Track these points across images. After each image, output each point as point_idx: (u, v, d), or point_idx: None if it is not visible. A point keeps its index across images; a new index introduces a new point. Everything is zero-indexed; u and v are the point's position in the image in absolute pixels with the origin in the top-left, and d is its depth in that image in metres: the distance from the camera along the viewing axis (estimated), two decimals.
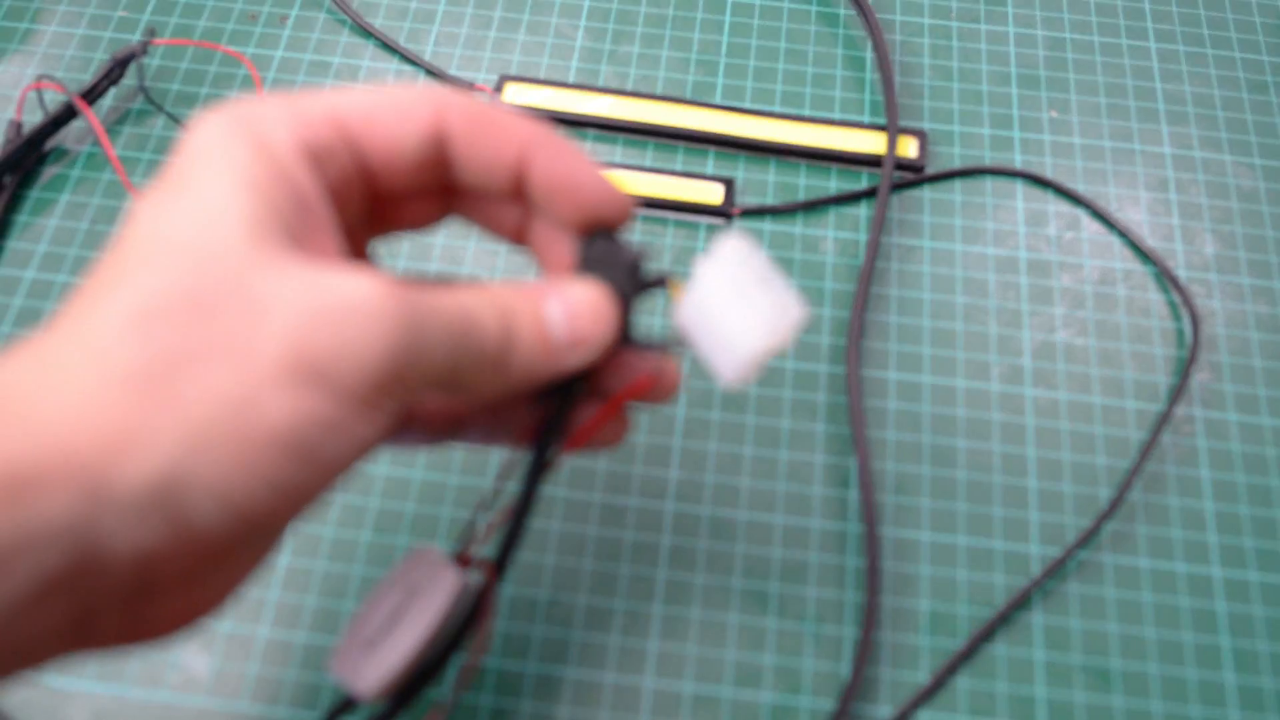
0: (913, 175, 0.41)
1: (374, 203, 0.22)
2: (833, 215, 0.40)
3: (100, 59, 0.43)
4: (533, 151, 0.21)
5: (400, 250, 0.39)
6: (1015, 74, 0.44)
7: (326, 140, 0.20)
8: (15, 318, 0.37)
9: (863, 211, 0.40)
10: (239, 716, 0.30)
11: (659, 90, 0.43)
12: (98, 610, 0.17)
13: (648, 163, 0.41)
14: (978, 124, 0.43)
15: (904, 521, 0.34)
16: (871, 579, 0.32)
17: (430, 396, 0.22)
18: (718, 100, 0.43)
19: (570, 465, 0.34)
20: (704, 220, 0.40)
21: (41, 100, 0.40)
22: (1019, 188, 0.41)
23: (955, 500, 0.34)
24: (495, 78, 0.43)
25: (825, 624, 0.32)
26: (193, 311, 0.17)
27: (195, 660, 0.31)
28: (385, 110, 0.21)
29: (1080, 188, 0.41)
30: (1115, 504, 0.33)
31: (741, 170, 0.41)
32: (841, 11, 0.46)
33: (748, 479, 0.34)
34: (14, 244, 0.38)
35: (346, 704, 0.26)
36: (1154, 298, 0.38)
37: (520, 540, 0.24)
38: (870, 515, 0.33)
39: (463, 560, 0.24)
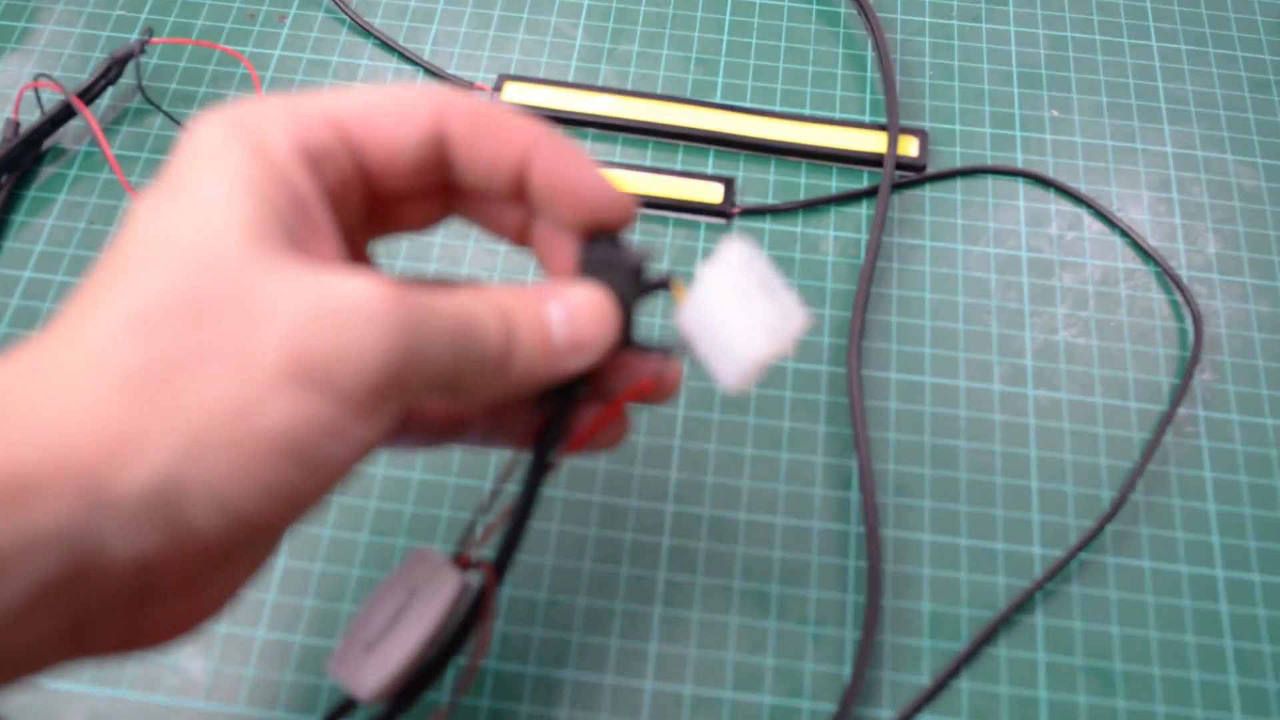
0: (914, 174, 0.41)
1: (373, 204, 0.22)
2: (833, 215, 0.40)
3: (98, 58, 0.43)
4: (533, 153, 0.21)
5: (399, 250, 0.39)
6: (1016, 73, 0.44)
7: (325, 141, 0.20)
8: (12, 318, 0.36)
9: (863, 211, 0.40)
10: (236, 719, 0.30)
11: (659, 89, 0.43)
12: (96, 616, 0.17)
13: (647, 162, 0.41)
14: (979, 123, 0.42)
15: (905, 523, 0.34)
16: (872, 580, 0.32)
17: (430, 399, 0.22)
18: (718, 99, 0.43)
19: (569, 466, 0.34)
20: (704, 220, 0.40)
21: (39, 99, 0.40)
22: (1020, 187, 0.41)
23: (957, 501, 0.34)
24: (494, 77, 0.43)
25: (826, 626, 0.32)
26: (191, 314, 0.17)
27: (192, 663, 0.31)
28: (384, 111, 0.21)
29: (1082, 187, 0.41)
30: (1118, 505, 0.33)
31: (742, 169, 0.41)
32: (842, 10, 0.46)
33: (748, 480, 0.34)
34: (11, 244, 0.38)
35: (346, 706, 0.26)
36: (1156, 297, 0.38)
37: (521, 542, 0.23)
38: (871, 516, 0.33)
39: (463, 562, 0.24)
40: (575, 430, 0.24)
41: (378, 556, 0.33)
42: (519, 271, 0.38)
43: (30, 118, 0.40)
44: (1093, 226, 0.40)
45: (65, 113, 0.40)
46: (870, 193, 0.40)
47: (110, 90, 0.42)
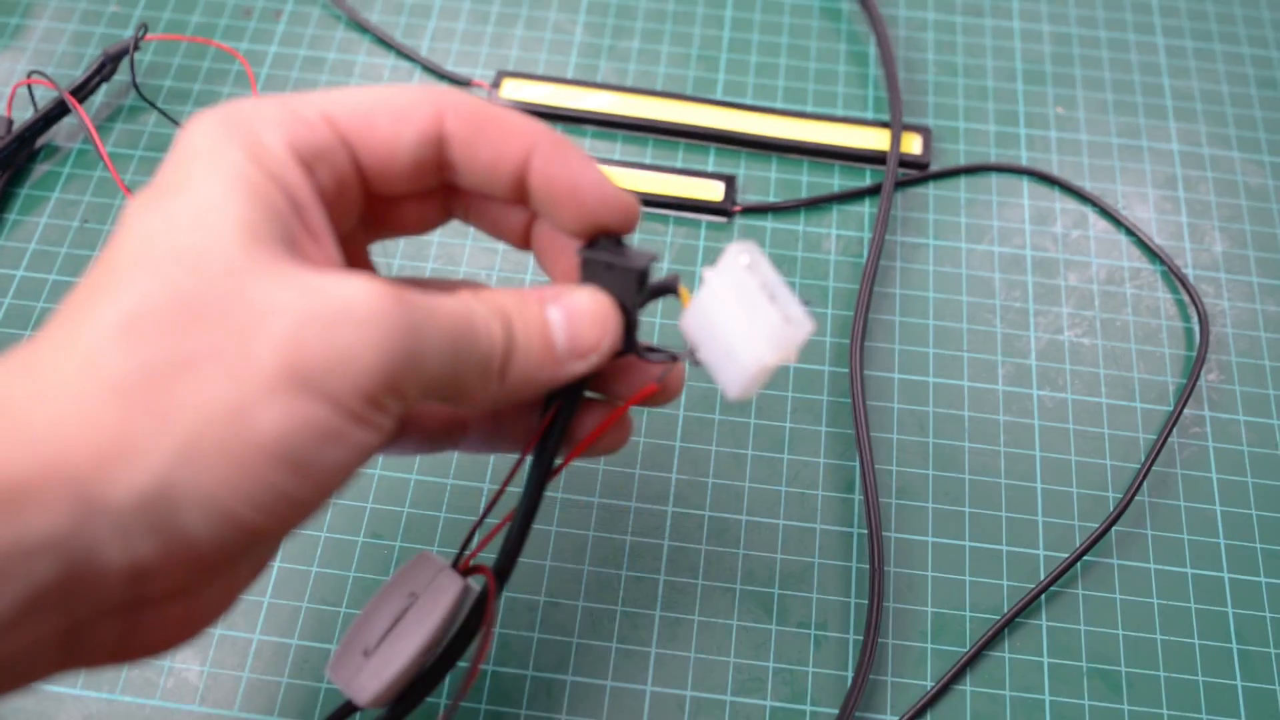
0: (917, 172, 0.40)
1: (371, 205, 0.22)
2: (835, 213, 0.40)
3: (92, 54, 0.42)
4: (534, 153, 0.21)
5: (396, 249, 0.38)
6: (1021, 70, 0.44)
7: (321, 142, 0.20)
8: (5, 316, 0.36)
9: (866, 209, 0.40)
10: None
11: (659, 86, 0.43)
12: (90, 623, 0.17)
13: (648, 159, 0.41)
14: (983, 120, 0.42)
15: (908, 524, 0.33)
16: (875, 583, 0.32)
17: (428, 404, 0.21)
18: (719, 96, 0.43)
19: (569, 468, 0.34)
20: (705, 218, 0.39)
21: (32, 96, 0.39)
22: (1025, 185, 0.41)
23: (960, 503, 0.34)
24: (493, 73, 0.43)
25: (828, 629, 0.32)
26: (185, 318, 0.16)
27: (187, 666, 0.30)
28: (382, 111, 0.20)
29: (1087, 185, 0.40)
30: (1123, 507, 0.33)
31: (743, 167, 0.41)
32: (844, 6, 0.45)
33: (749, 481, 0.34)
34: (4, 242, 0.38)
35: (344, 711, 0.26)
36: (1162, 297, 0.38)
37: (522, 547, 0.23)
38: (874, 518, 0.33)
39: (463, 566, 0.24)
40: (577, 435, 0.24)
41: (375, 559, 0.32)
42: (518, 270, 0.38)
43: (23, 115, 0.39)
44: (1098, 225, 0.40)
45: (59, 110, 0.39)
46: (873, 190, 0.40)
47: (104, 87, 0.41)
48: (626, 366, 0.23)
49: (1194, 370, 0.36)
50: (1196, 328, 0.37)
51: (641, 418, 0.35)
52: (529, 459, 0.23)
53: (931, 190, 0.40)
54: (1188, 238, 0.39)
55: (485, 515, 0.24)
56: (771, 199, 0.40)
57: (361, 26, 0.44)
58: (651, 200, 0.39)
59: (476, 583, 0.24)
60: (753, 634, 0.32)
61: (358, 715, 0.27)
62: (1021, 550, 0.33)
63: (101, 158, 0.39)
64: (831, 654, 0.31)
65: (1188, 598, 0.32)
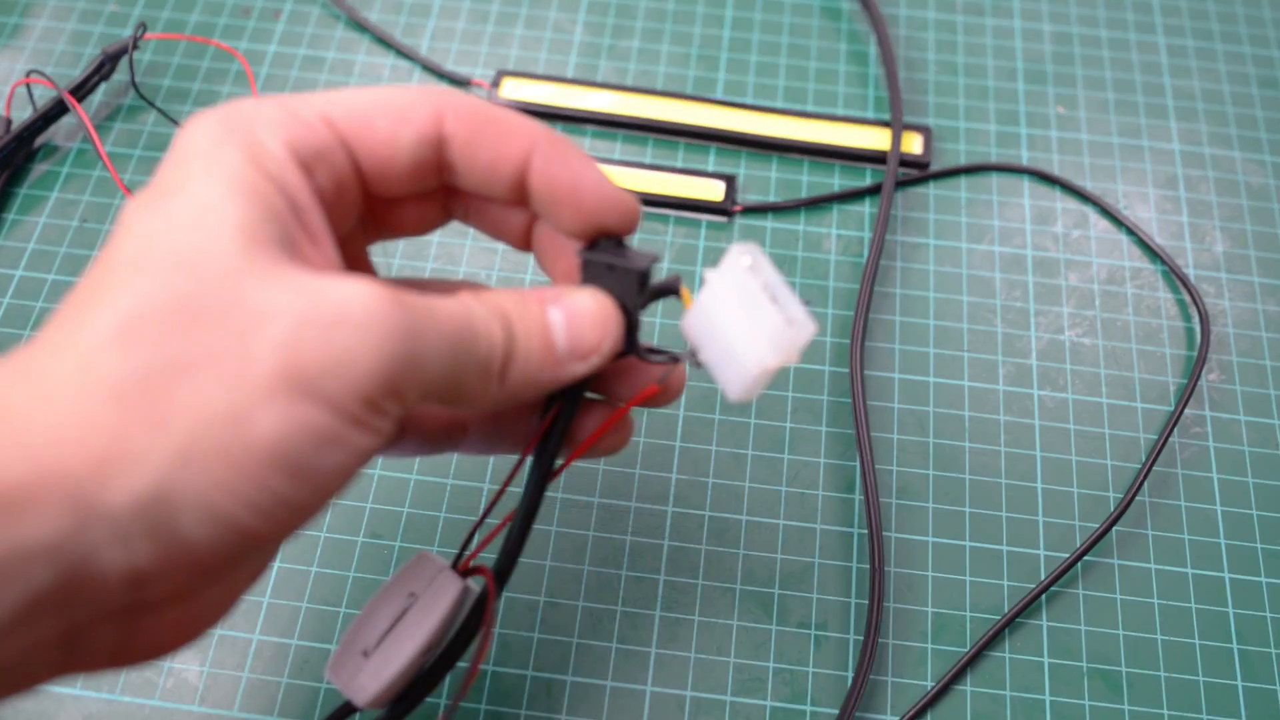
0: (917, 172, 0.40)
1: (370, 206, 0.22)
2: (836, 212, 0.40)
3: (91, 54, 0.42)
4: (534, 154, 0.21)
5: (395, 249, 0.38)
6: (1021, 69, 0.43)
7: (320, 143, 0.19)
8: (4, 316, 0.36)
9: (866, 209, 0.40)
10: None
11: (659, 85, 0.43)
12: (88, 629, 0.17)
13: (648, 159, 0.41)
14: (983, 120, 0.42)
15: (908, 524, 0.33)
16: (875, 583, 0.32)
17: (428, 406, 0.21)
18: (719, 96, 0.42)
19: (569, 468, 0.34)
20: (705, 218, 0.39)
21: (31, 96, 0.39)
22: (1025, 185, 0.41)
23: (961, 503, 0.34)
24: (492, 73, 0.42)
25: (828, 628, 0.32)
26: (183, 321, 0.16)
27: (187, 666, 0.30)
28: (381, 111, 0.20)
29: (1088, 185, 0.40)
30: (1124, 507, 0.33)
31: (743, 167, 0.41)
32: (845, 5, 0.45)
33: (750, 481, 0.34)
34: (3, 242, 0.38)
35: (343, 712, 0.26)
36: (1163, 296, 0.38)
37: (523, 547, 0.23)
38: (874, 518, 0.32)
39: (463, 567, 0.24)
40: (577, 436, 0.23)
41: (375, 559, 0.32)
42: (518, 270, 0.38)
43: (22, 114, 0.39)
44: (1099, 225, 0.40)
45: (58, 109, 0.39)
46: (873, 190, 0.40)
47: (103, 86, 0.41)
48: (627, 368, 0.23)
49: (1195, 370, 0.36)
50: (1197, 327, 0.37)
51: (641, 418, 0.35)
52: (529, 460, 0.23)
53: (932, 190, 0.40)
54: (1189, 237, 0.39)
55: (485, 516, 0.24)
56: (772, 199, 0.40)
57: (361, 26, 0.44)
58: (652, 200, 0.39)
59: (476, 583, 0.24)
60: (753, 634, 0.31)
61: (357, 715, 0.27)
62: (1022, 550, 0.33)
63: (100, 157, 0.39)
64: (832, 654, 0.31)
65: (1188, 598, 0.32)
